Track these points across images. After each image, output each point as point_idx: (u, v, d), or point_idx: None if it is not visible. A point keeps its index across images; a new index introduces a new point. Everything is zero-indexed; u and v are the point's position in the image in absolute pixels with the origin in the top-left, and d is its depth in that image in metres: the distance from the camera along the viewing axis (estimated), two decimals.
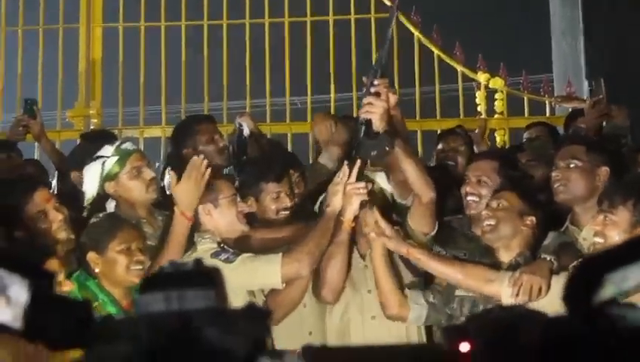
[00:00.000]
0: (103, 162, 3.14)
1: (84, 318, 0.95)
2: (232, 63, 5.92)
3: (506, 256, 2.82)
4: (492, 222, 2.81)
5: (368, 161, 2.88)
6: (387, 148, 2.70)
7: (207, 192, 2.91)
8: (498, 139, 5.60)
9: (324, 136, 3.66)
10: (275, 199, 3.14)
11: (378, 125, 2.66)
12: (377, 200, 2.95)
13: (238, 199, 2.97)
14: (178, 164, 3.44)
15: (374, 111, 2.66)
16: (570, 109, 5.45)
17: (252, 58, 5.87)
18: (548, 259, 2.73)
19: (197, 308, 0.89)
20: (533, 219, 2.83)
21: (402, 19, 5.77)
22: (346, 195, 2.82)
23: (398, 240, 2.82)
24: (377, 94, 2.67)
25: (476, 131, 5.15)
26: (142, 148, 4.86)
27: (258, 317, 0.94)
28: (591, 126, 3.99)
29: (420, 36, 5.76)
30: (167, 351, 0.88)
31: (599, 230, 2.46)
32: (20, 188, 2.97)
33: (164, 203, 3.15)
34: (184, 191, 2.87)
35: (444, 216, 3.18)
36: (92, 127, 5.64)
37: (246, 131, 3.97)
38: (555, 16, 6.25)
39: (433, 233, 3.01)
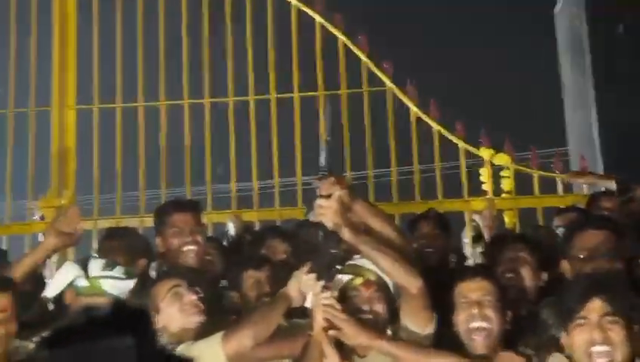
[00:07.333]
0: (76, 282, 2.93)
1: None
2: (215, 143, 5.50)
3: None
4: (485, 325, 2.54)
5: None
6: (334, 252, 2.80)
7: (150, 302, 2.77)
8: (507, 220, 5.10)
9: None
10: (255, 286, 3.15)
11: (331, 226, 2.64)
12: (377, 290, 2.76)
13: (184, 290, 2.78)
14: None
15: (323, 213, 2.63)
16: (584, 186, 5.00)
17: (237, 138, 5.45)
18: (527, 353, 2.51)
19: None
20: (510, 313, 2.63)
21: (397, 91, 5.37)
22: (313, 307, 2.67)
23: (357, 329, 2.60)
24: (328, 195, 2.66)
25: (483, 213, 4.73)
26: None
27: None
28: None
29: (417, 110, 5.33)
30: None
31: None
32: None
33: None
34: None
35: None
36: None
37: (231, 232, 4.02)
38: (567, 88, 5.83)
39: (431, 329, 2.69)
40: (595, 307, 2.21)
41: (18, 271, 2.96)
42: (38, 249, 3.08)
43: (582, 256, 2.82)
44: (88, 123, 5.52)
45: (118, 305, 2.53)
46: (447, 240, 3.81)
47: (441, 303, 2.75)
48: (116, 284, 2.92)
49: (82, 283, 2.92)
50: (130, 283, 2.94)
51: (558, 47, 5.94)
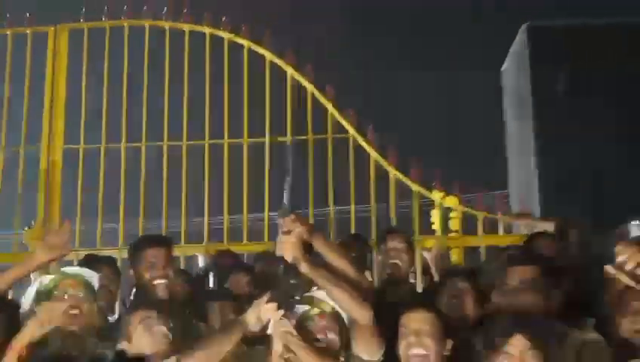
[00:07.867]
0: (42, 280, 3.07)
1: None
2: (191, 182, 5.96)
3: None
4: (423, 352, 2.77)
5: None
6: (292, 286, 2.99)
7: (122, 329, 2.99)
8: (454, 258, 5.59)
9: None
10: (220, 317, 3.30)
11: (289, 260, 2.87)
12: (331, 321, 2.99)
13: (154, 321, 2.97)
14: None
15: (284, 248, 2.88)
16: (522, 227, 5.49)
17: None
18: None
19: None
20: (452, 342, 2.80)
21: (359, 138, 5.87)
22: (273, 334, 2.89)
23: (312, 355, 2.84)
24: (288, 231, 2.90)
25: (432, 250, 5.15)
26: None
27: None
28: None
29: (377, 156, 5.81)
30: None
31: None
32: None
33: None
34: None
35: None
36: None
37: (200, 265, 4.20)
38: (510, 137, 6.35)
39: (380, 356, 2.96)
40: (518, 343, 2.46)
41: (1, 284, 3.09)
42: (27, 262, 3.14)
43: (509, 290, 3.04)
44: (75, 160, 5.98)
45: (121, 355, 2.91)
46: (412, 255, 3.99)
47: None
48: (79, 269, 3.14)
49: (47, 279, 3.06)
50: (92, 273, 3.14)
51: (503, 100, 6.49)
